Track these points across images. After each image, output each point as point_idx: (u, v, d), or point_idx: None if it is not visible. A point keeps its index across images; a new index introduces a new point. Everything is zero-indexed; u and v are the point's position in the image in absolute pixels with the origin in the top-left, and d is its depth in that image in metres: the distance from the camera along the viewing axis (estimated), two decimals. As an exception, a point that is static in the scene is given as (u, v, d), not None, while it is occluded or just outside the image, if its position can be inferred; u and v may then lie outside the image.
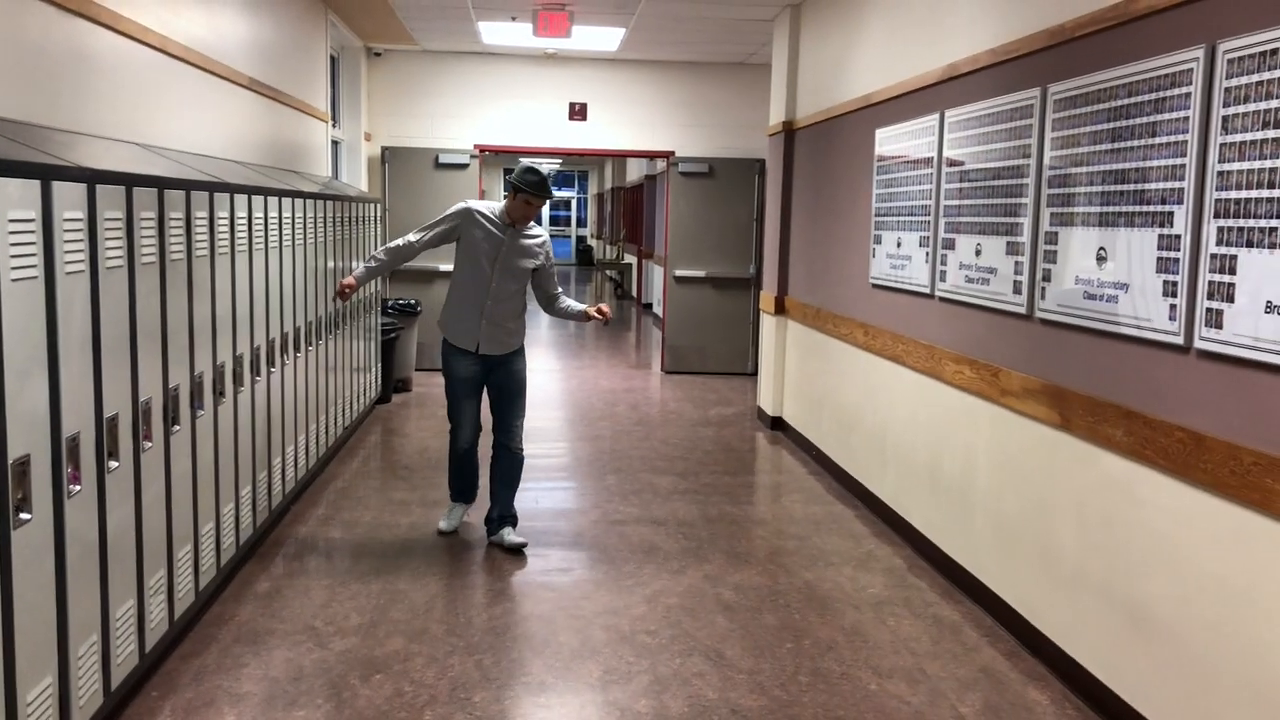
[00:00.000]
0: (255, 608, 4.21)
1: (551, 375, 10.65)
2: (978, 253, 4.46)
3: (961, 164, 4.65)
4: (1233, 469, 2.81)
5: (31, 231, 2.58)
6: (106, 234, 3.01)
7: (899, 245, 5.41)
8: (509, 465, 5.07)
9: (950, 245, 4.76)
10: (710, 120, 10.54)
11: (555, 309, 5.07)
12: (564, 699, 3.51)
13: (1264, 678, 2.72)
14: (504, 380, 4.99)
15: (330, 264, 6.29)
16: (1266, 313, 2.69)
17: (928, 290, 5.01)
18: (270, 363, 4.89)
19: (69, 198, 2.77)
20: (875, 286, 5.81)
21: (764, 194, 9.33)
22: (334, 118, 9.15)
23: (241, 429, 4.46)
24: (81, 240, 2.85)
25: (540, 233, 5.05)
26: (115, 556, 3.13)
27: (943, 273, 4.84)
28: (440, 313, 5.08)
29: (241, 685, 3.53)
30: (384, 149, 10.12)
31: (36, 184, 2.61)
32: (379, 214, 8.67)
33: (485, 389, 5.05)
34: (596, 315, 4.93)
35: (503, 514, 5.09)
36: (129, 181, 3.20)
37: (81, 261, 2.86)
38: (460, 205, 4.98)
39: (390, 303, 9.18)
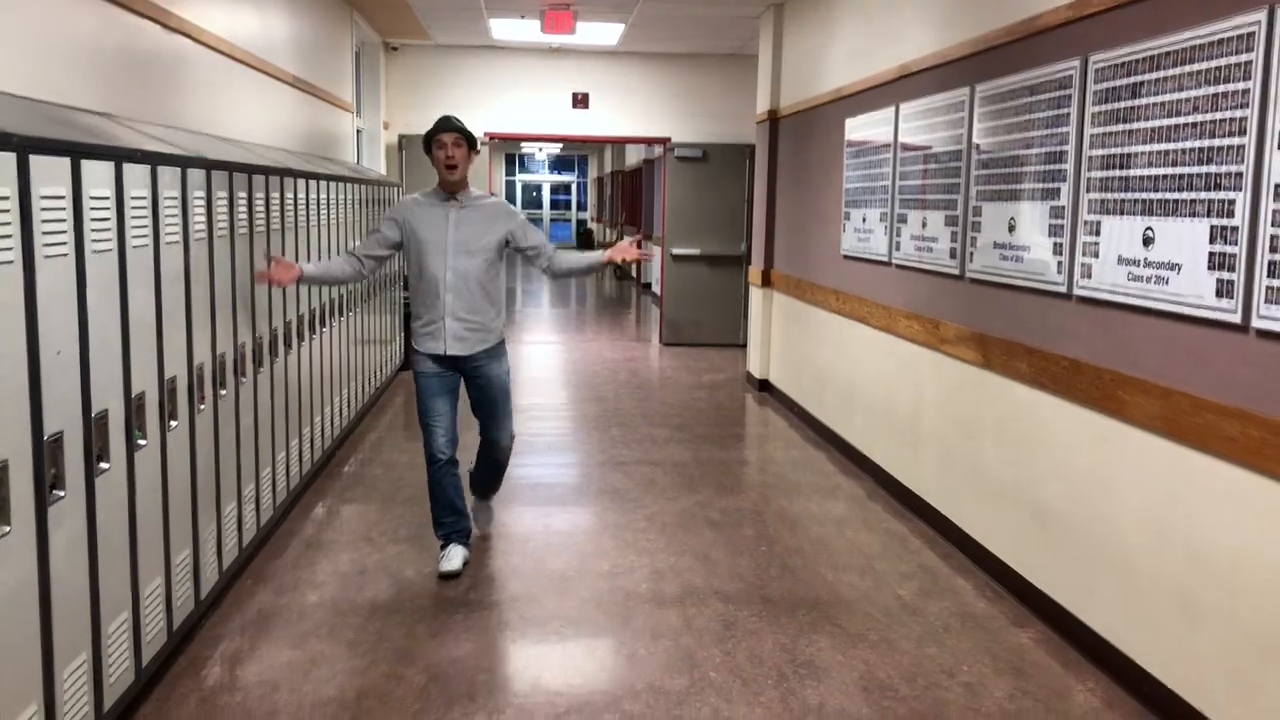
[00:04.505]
0: (316, 526, 5.04)
1: (557, 348, 11.51)
2: (924, 225, 5.27)
3: (913, 149, 5.46)
4: (1097, 386, 3.63)
5: (144, 207, 3.16)
6: (194, 210, 3.68)
7: (864, 220, 6.22)
8: (492, 452, 4.64)
9: (904, 219, 5.57)
10: (704, 108, 11.33)
11: (562, 268, 4.44)
12: (581, 584, 4.34)
13: (1117, 546, 3.55)
14: (484, 385, 4.45)
15: (358, 243, 7.06)
16: (1118, 264, 3.51)
17: (886, 259, 5.82)
18: (313, 329, 5.68)
19: (168, 179, 3.33)
20: (846, 258, 6.62)
21: (754, 176, 10.13)
22: (356, 108, 9.93)
23: (303, 381, 5.28)
24: (176, 216, 3.40)
25: (493, 198, 4.51)
26: (224, 470, 3.96)
27: (898, 243, 5.65)
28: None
29: (318, 576, 4.37)
30: (400, 137, 10.91)
31: (147, 168, 3.17)
32: (398, 195, 9.46)
33: (467, 392, 4.52)
34: (628, 255, 4.36)
35: (483, 486, 4.86)
36: (208, 166, 3.73)
37: (177, 232, 3.40)
38: (396, 204, 4.66)
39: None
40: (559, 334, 12.75)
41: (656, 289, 14.90)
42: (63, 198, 2.60)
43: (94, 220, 2.79)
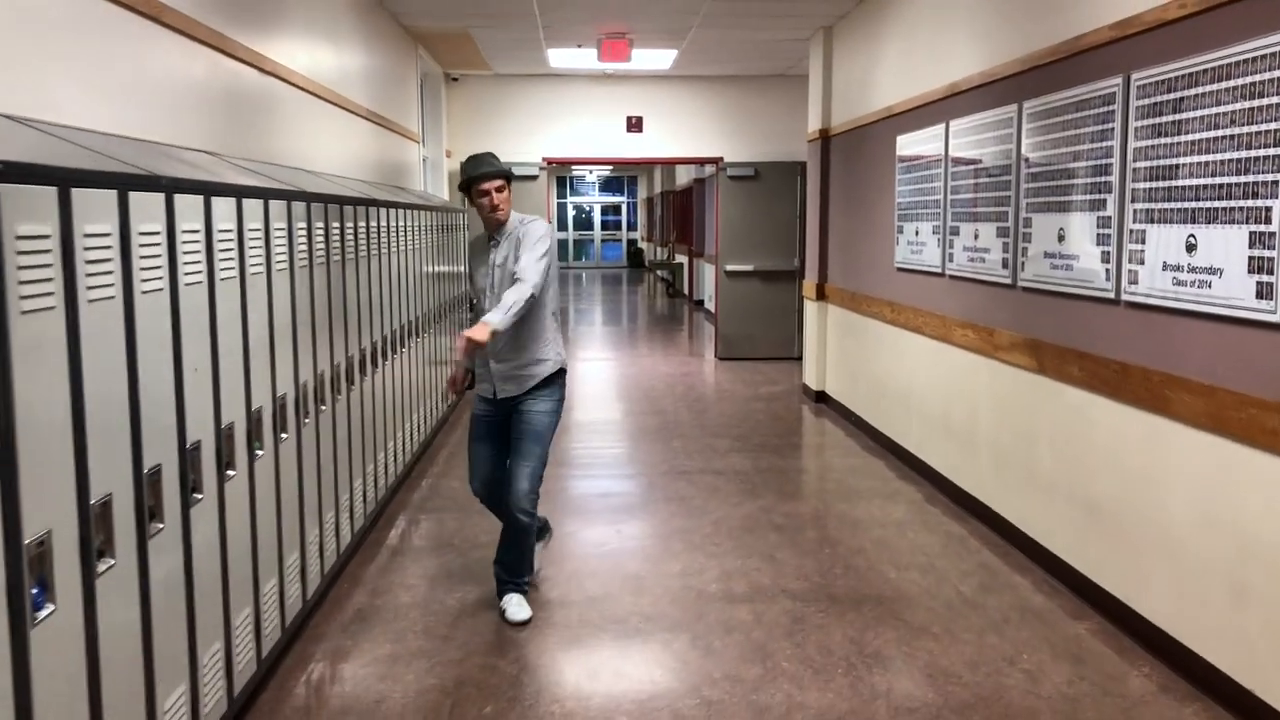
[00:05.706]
0: (402, 534, 5.35)
1: (613, 364, 11.81)
2: (976, 237, 5.47)
3: (963, 164, 5.67)
4: (1146, 387, 3.81)
5: (259, 238, 3.49)
6: (297, 238, 4.06)
7: (917, 233, 6.43)
8: (508, 528, 4.23)
9: (956, 232, 5.77)
10: (755, 128, 11.59)
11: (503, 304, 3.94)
12: (654, 584, 4.59)
13: (1168, 538, 3.72)
14: (520, 422, 4.16)
15: (429, 268, 7.41)
16: (1163, 270, 3.70)
17: (939, 270, 6.02)
18: (394, 349, 6.00)
19: (276, 210, 3.71)
20: (899, 270, 6.82)
21: (805, 193, 10.36)
22: (421, 138, 10.32)
23: (387, 398, 5.60)
24: (284, 245, 3.75)
25: (523, 223, 4.18)
26: (324, 479, 4.27)
27: (950, 255, 5.86)
28: None
29: (408, 579, 4.66)
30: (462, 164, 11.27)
31: (260, 202, 3.55)
32: (463, 220, 9.82)
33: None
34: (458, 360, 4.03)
35: (499, 577, 4.30)
36: (308, 199, 4.08)
37: (284, 260, 3.78)
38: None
39: (474, 301, 10.31)
40: (614, 350, 13.06)
41: (709, 305, 15.15)
42: (198, 231, 2.92)
43: (220, 250, 3.10)
